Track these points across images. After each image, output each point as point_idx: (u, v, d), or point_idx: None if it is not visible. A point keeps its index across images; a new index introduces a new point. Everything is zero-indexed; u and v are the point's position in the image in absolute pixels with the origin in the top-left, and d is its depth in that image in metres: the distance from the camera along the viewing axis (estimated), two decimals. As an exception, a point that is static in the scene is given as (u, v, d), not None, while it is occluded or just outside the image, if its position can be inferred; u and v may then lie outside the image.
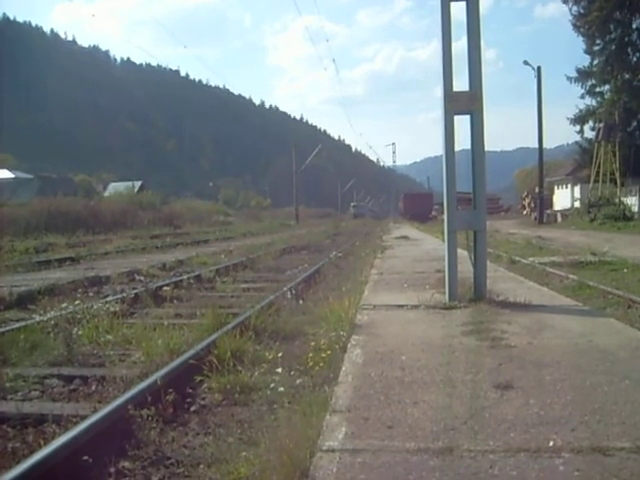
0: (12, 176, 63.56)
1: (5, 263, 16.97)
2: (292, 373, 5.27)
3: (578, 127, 49.54)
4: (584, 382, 4.20)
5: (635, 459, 2.95)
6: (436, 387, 4.20)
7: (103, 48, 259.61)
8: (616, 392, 3.97)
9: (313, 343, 5.87)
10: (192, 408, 4.90)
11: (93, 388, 5.51)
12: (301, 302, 9.00)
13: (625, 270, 12.33)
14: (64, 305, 8.54)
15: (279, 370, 5.30)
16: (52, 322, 7.43)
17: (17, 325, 7.51)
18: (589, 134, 48.30)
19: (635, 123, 45.60)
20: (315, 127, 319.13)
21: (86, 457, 3.62)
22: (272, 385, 4.91)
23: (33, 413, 4.61)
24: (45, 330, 7.21)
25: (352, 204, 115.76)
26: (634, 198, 38.45)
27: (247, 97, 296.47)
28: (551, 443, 3.17)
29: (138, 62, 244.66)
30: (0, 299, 9.86)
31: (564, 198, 58.07)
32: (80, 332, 7.04)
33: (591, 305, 8.29)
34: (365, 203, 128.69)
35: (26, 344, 6.62)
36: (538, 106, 42.39)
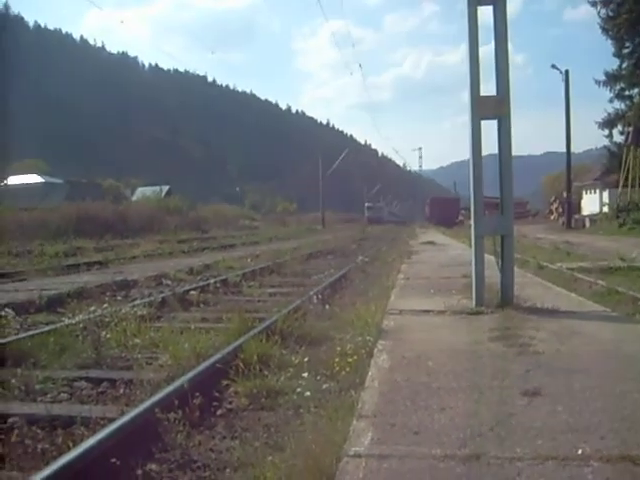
0: (42, 181, 64.37)
1: (35, 267, 17.21)
2: (318, 378, 5.28)
3: (607, 131, 48.99)
4: (613, 389, 4.14)
5: (666, 468, 2.91)
6: (463, 393, 4.18)
7: (132, 54, 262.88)
8: (646, 399, 3.91)
9: (339, 348, 5.85)
10: (219, 412, 4.92)
11: (121, 391, 5.56)
12: (327, 307, 9.00)
13: (655, 276, 12.14)
14: (92, 308, 8.62)
15: (305, 375, 5.31)
16: (81, 325, 7.51)
17: (47, 328, 7.61)
18: (618, 138, 47.77)
19: (664, 127, 44.96)
20: (342, 132, 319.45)
21: (114, 459, 3.65)
22: (298, 390, 4.91)
23: (62, 415, 4.66)
24: (74, 333, 7.28)
25: (366, 205, 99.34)
26: (664, 203, 37.84)
27: (274, 102, 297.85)
28: (580, 451, 3.13)
29: (166, 68, 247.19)
30: (30, 302, 9.98)
31: (592, 203, 57.33)
32: (108, 335, 7.11)
33: (620, 311, 8.16)
34: (383, 204, 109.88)
35: (55, 347, 6.69)
36: (566, 110, 41.93)
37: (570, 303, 8.04)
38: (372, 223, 77.71)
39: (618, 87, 47.14)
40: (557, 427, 3.48)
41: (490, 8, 7.76)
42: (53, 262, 19.00)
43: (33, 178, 63.71)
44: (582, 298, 8.83)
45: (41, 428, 4.48)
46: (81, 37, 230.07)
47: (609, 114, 48.04)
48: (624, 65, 46.42)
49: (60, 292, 11.07)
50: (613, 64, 47.67)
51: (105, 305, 8.86)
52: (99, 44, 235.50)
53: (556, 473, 2.90)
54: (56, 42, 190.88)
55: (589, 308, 7.79)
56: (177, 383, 4.92)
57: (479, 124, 7.75)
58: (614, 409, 3.75)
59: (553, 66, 43.24)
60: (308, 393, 4.78)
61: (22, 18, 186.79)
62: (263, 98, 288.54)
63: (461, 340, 5.92)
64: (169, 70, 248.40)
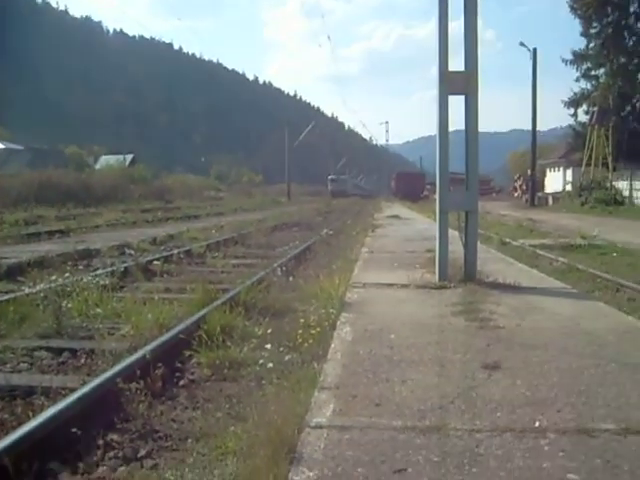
0: (2, 147, 63.04)
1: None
2: (281, 349, 5.29)
3: (572, 110, 49.43)
4: (571, 364, 4.23)
5: (619, 440, 2.99)
6: (424, 366, 4.23)
7: (96, 19, 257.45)
8: (602, 375, 4.01)
9: (303, 320, 5.87)
10: (181, 382, 4.92)
11: (82, 361, 5.51)
12: (291, 279, 9.01)
13: (614, 254, 12.39)
14: (53, 278, 8.50)
15: (268, 346, 5.32)
16: (41, 294, 7.38)
17: (6, 297, 7.47)
18: (583, 118, 48.30)
19: (629, 107, 45.49)
20: (309, 104, 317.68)
21: (75, 429, 3.63)
22: (261, 361, 4.92)
23: (22, 385, 4.61)
24: (34, 302, 7.16)
25: (329, 177, 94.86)
26: (625, 182, 38.49)
27: (241, 72, 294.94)
28: (537, 424, 3.20)
29: (131, 34, 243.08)
30: (-11, 270, 9.81)
31: (556, 181, 58.05)
32: (69, 305, 7.01)
33: (580, 288, 8.34)
34: (348, 177, 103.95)
35: (15, 316, 6.60)
36: (533, 88, 42.22)
37: (531, 279, 8.16)
38: (336, 196, 75.02)
39: (585, 67, 47.53)
40: (516, 400, 3.55)
41: (460, -18, 7.73)
42: (13, 230, 18.68)
43: (-7, 144, 62.41)
44: (543, 274, 8.99)
45: (0, 398, 4.43)
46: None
47: (575, 93, 48.49)
48: (591, 45, 46.80)
49: (20, 261, 10.90)
50: (581, 43, 48.07)
51: (67, 274, 8.74)
52: (62, 7, 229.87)
53: (514, 444, 2.96)
54: (15, 2, 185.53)
55: (550, 284, 7.93)
56: (139, 353, 4.89)
57: (447, 99, 7.76)
58: (571, 384, 3.83)
59: (521, 44, 43.46)
60: (271, 364, 4.80)
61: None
62: (230, 68, 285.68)
63: (424, 314, 5.98)
64: (134, 36, 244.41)
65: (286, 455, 2.93)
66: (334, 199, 64.57)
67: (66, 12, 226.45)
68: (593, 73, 47.58)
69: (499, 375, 4.01)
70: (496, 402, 3.52)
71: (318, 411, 3.43)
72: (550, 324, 5.50)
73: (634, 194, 37.25)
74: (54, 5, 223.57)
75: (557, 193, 48.80)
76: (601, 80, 46.61)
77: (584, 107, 48.06)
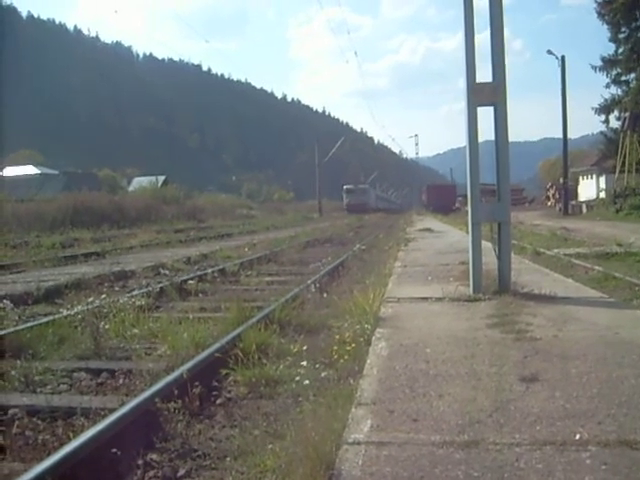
0: (38, 172, 64.25)
1: (32, 258, 17.18)
2: (317, 366, 5.29)
3: (603, 117, 48.81)
4: (610, 375, 4.16)
5: (663, 452, 2.93)
6: (461, 380, 4.20)
7: (126, 44, 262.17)
8: (643, 385, 3.93)
9: (338, 336, 5.87)
10: (218, 401, 4.94)
11: (120, 381, 5.57)
12: (325, 295, 9.01)
13: (652, 261, 12.17)
14: (91, 299, 8.60)
15: (304, 363, 5.32)
16: (79, 316, 7.50)
17: (45, 319, 7.59)
18: (614, 124, 47.63)
19: (662, 112, 44.82)
20: (337, 120, 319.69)
21: (114, 449, 3.67)
22: (297, 378, 4.93)
23: (62, 406, 4.67)
24: (72, 324, 7.28)
25: (345, 187, 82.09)
26: (661, 188, 37.79)
27: (269, 91, 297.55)
28: (577, 436, 3.16)
29: (160, 57, 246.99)
30: (28, 294, 9.98)
31: (589, 189, 57.35)
32: (107, 326, 7.10)
33: (617, 297, 8.19)
34: (369, 187, 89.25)
35: (54, 338, 6.69)
36: (562, 96, 41.84)
37: (567, 289, 8.05)
38: (353, 212, 64.15)
39: (614, 72, 46.93)
40: (555, 413, 3.50)
41: (485, -6, 7.74)
42: (50, 253, 18.97)
43: (29, 169, 63.67)
44: (579, 284, 8.86)
45: (41, 419, 4.50)
46: (75, 27, 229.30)
47: (605, 100, 47.88)
48: (620, 50, 46.24)
49: (58, 283, 11.06)
50: (609, 49, 47.56)
51: (103, 296, 8.87)
52: (93, 34, 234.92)
53: (554, 458, 2.92)
54: (50, 32, 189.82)
55: (586, 294, 7.82)
56: (176, 373, 4.93)
57: (475, 111, 7.74)
58: (611, 395, 3.77)
59: (549, 52, 43.11)
60: (307, 381, 4.80)
61: (15, 9, 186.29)
62: (258, 87, 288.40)
63: (459, 327, 5.94)
64: (163, 59, 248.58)
65: (325, 472, 2.93)
66: (366, 214, 58.26)
67: (97, 39, 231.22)
68: (623, 78, 46.94)
69: (537, 387, 3.96)
70: (535, 415, 3.48)
71: (356, 427, 3.42)
72: (588, 334, 5.42)
73: (670, 200, 36.52)
74: (86, 32, 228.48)
75: (591, 201, 48.14)
76: (631, 85, 45.99)
77: (615, 113, 47.45)
